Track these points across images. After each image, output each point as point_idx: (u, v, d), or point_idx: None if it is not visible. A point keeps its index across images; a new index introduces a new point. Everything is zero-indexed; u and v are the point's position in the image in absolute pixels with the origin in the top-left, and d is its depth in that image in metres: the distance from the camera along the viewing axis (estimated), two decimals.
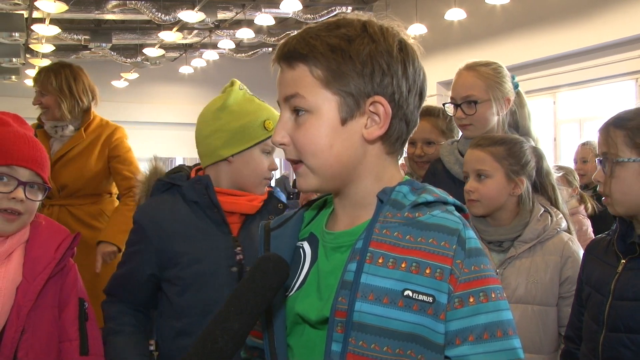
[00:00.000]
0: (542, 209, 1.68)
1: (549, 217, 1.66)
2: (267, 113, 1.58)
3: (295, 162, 0.90)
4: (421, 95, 0.91)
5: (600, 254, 1.44)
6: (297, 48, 0.87)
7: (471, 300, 0.82)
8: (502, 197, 1.65)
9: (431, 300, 0.81)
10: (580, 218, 3.04)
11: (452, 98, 1.88)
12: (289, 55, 0.88)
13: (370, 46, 0.86)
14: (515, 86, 1.91)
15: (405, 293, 0.81)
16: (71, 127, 2.70)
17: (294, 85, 0.87)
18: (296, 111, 0.88)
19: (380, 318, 0.81)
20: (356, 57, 0.85)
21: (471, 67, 1.89)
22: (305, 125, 0.87)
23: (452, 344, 0.82)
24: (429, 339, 0.82)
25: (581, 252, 1.62)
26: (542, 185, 1.72)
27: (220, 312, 0.80)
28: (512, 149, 1.66)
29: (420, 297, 0.81)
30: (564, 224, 1.68)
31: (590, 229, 3.06)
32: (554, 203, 1.72)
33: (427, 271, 0.82)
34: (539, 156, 1.71)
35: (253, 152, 1.53)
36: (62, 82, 2.68)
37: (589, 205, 3.17)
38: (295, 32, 0.91)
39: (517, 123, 1.91)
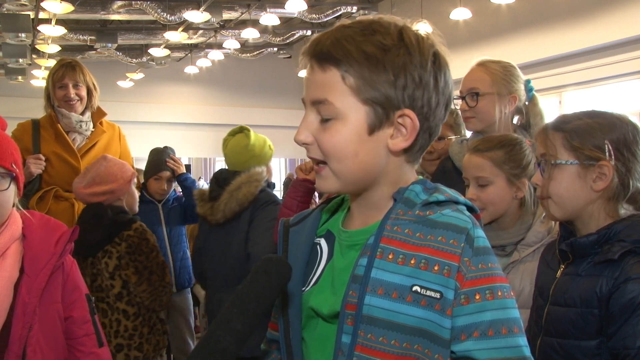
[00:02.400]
0: None
1: None
2: (267, 139, 2.71)
3: (318, 163, 0.91)
4: (447, 107, 0.91)
5: (549, 258, 1.43)
6: (331, 51, 0.86)
7: (477, 297, 0.83)
8: (505, 202, 1.62)
9: (439, 296, 0.83)
10: None
11: (460, 92, 1.90)
12: (322, 56, 0.87)
13: (405, 57, 0.85)
14: (530, 90, 1.91)
15: (414, 288, 0.83)
16: (91, 122, 2.81)
17: (324, 89, 0.87)
18: (323, 117, 0.88)
19: (388, 312, 0.83)
20: (390, 68, 0.85)
21: (482, 63, 1.92)
22: (331, 130, 0.87)
23: (457, 339, 0.84)
24: (436, 334, 0.83)
25: None
26: None
27: (223, 312, 0.81)
28: (512, 152, 1.63)
29: (428, 292, 0.83)
30: None
31: None
32: None
33: (436, 268, 0.83)
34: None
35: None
36: (90, 77, 2.81)
37: None
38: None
39: (529, 122, 1.92)
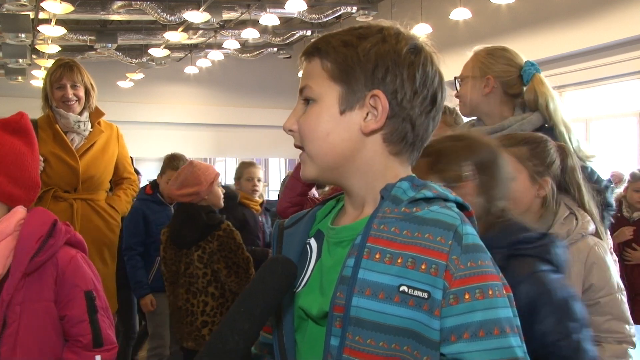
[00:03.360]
0: (568, 212, 1.60)
1: (574, 220, 1.59)
2: None
3: (301, 150, 0.94)
4: (434, 101, 0.91)
5: None
6: (317, 44, 0.92)
7: (466, 297, 0.81)
8: (526, 199, 1.58)
9: (426, 296, 0.81)
10: None
11: None
12: (309, 51, 0.93)
13: (379, 45, 0.89)
14: (525, 72, 1.92)
15: (401, 288, 0.81)
16: (89, 122, 2.80)
17: (307, 77, 0.92)
18: (307, 101, 0.92)
19: (376, 313, 0.81)
20: (362, 52, 0.88)
21: (474, 51, 1.97)
22: (308, 112, 0.91)
23: (447, 341, 0.82)
24: (424, 335, 0.82)
25: (608, 257, 1.57)
26: (566, 185, 1.65)
27: (230, 313, 0.81)
28: (536, 149, 1.60)
29: (416, 292, 0.81)
30: (591, 227, 1.59)
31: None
32: (581, 204, 1.64)
33: (423, 267, 0.81)
34: (564, 154, 1.65)
35: None
36: (88, 77, 2.80)
37: None
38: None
39: (532, 101, 1.93)
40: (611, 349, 1.51)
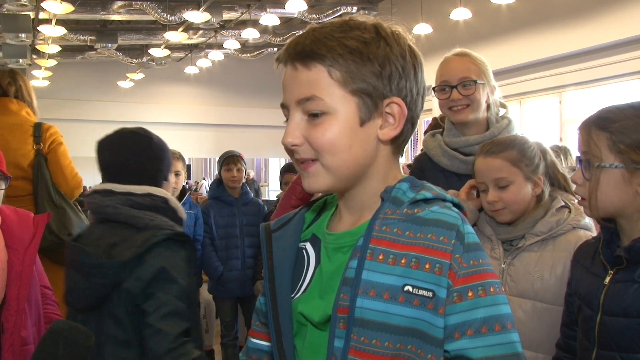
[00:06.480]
0: (562, 203, 1.63)
1: (567, 212, 1.61)
2: None
3: (306, 162, 0.89)
4: (423, 98, 0.93)
5: (587, 262, 1.36)
6: (314, 48, 0.86)
7: (470, 294, 0.83)
8: (526, 200, 1.62)
9: (431, 295, 0.82)
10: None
11: (444, 81, 1.87)
12: (305, 55, 0.86)
13: (386, 49, 0.87)
14: None
15: (406, 288, 0.82)
16: None
17: (310, 86, 0.86)
18: (312, 114, 0.87)
19: (381, 314, 0.82)
20: (375, 59, 0.86)
21: (462, 54, 1.92)
22: (323, 125, 0.86)
23: (451, 338, 0.83)
24: (429, 334, 0.83)
25: None
26: (552, 179, 1.68)
27: None
28: (525, 150, 1.63)
29: (421, 292, 0.82)
30: (584, 221, 1.61)
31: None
32: (571, 193, 1.66)
33: (427, 266, 0.83)
34: (543, 151, 1.68)
35: None
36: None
37: None
38: (301, 32, 0.92)
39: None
40: None
